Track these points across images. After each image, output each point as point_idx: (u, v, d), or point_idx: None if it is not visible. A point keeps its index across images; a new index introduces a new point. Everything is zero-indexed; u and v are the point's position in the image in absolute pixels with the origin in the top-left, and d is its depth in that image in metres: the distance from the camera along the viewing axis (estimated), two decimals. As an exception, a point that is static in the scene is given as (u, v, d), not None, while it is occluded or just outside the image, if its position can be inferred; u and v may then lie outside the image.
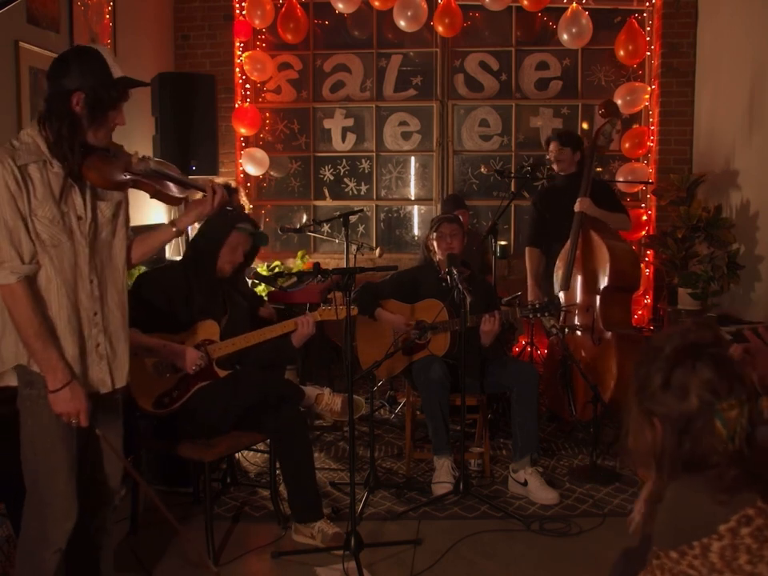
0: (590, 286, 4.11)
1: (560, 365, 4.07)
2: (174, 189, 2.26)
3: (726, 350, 1.30)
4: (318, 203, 6.06)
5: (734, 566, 1.23)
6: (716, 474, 1.26)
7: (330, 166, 6.07)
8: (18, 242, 1.96)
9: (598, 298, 4.06)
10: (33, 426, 2.07)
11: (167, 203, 2.26)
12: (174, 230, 2.33)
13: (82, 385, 2.08)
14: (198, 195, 2.36)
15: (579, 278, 4.16)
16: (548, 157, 4.44)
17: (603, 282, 4.05)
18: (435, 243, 3.74)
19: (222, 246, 3.03)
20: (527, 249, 4.51)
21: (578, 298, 4.15)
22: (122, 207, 2.23)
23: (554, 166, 4.43)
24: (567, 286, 4.14)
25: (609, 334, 3.96)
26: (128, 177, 2.12)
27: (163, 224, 2.35)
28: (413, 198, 6.10)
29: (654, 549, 1.32)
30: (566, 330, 4.08)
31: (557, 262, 4.28)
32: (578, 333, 4.08)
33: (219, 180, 4.78)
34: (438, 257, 3.73)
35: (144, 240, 2.35)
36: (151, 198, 2.23)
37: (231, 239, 3.04)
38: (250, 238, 3.11)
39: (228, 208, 2.49)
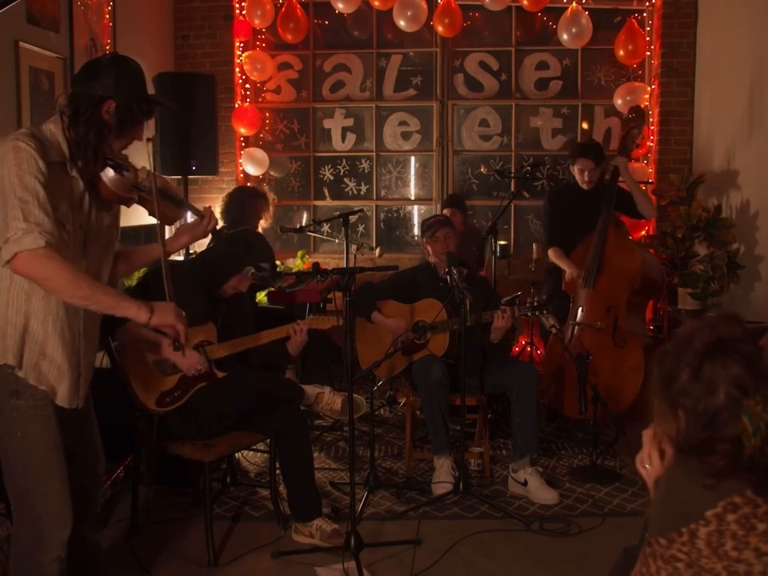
0: (617, 287, 4.04)
1: (574, 361, 4.04)
2: (172, 209, 2.26)
3: (753, 345, 1.31)
4: (318, 203, 6.06)
5: (720, 552, 1.26)
6: (709, 462, 1.28)
7: (329, 165, 6.07)
8: (46, 210, 1.85)
9: (624, 300, 4.01)
10: (23, 438, 1.96)
11: (162, 222, 2.21)
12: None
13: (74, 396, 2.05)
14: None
15: (604, 278, 4.09)
16: (576, 173, 4.27)
17: (633, 286, 4.01)
18: (430, 247, 3.75)
19: (233, 276, 3.03)
20: (550, 250, 4.37)
21: (599, 297, 4.09)
22: (117, 219, 2.20)
23: (584, 185, 4.28)
24: (591, 284, 4.10)
25: (635, 336, 3.93)
26: (135, 194, 2.11)
27: (153, 244, 2.29)
28: (413, 198, 6.10)
29: (646, 537, 1.35)
30: (578, 327, 4.04)
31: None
32: (586, 329, 4.04)
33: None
34: (434, 259, 3.74)
35: (131, 255, 2.33)
36: (149, 215, 2.19)
37: (244, 273, 3.04)
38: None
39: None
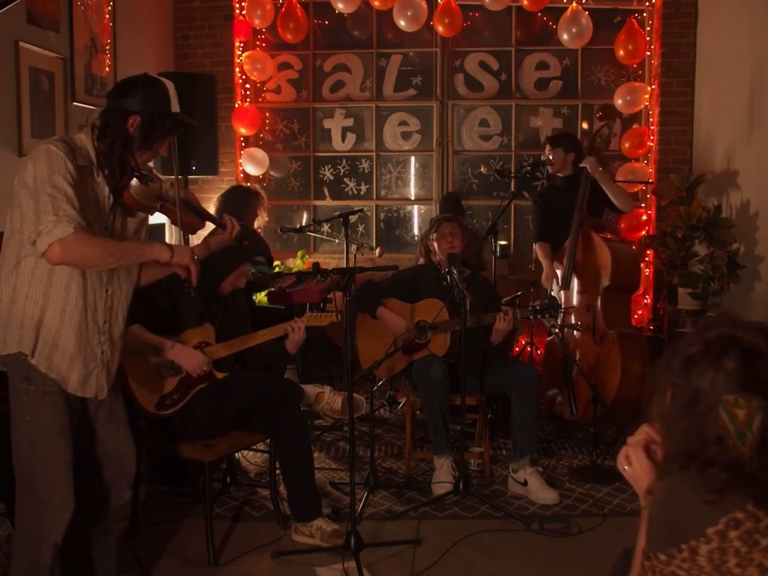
0: (591, 286, 4.12)
1: (561, 364, 4.08)
2: (193, 219, 2.39)
3: (763, 354, 1.28)
4: (318, 203, 6.06)
5: (723, 569, 1.22)
6: (709, 474, 1.25)
7: (329, 165, 6.07)
8: (74, 204, 2.00)
9: (599, 298, 4.07)
10: (31, 421, 2.09)
11: (184, 230, 2.39)
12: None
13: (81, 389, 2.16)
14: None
15: (580, 278, 4.17)
16: (543, 158, 4.46)
17: (604, 283, 4.06)
18: (435, 243, 3.75)
19: (232, 272, 3.08)
20: (536, 244, 4.51)
21: (579, 297, 4.17)
22: (144, 225, 2.35)
23: (549, 168, 4.45)
24: (568, 285, 4.15)
25: (611, 333, 3.96)
26: (157, 203, 2.23)
27: None
28: (413, 198, 6.09)
29: (644, 548, 1.32)
30: (566, 329, 4.09)
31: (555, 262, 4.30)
32: (576, 333, 4.08)
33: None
34: (439, 256, 3.74)
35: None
36: (171, 223, 2.35)
37: (242, 268, 3.11)
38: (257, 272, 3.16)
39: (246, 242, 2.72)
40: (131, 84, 2.18)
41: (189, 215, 2.36)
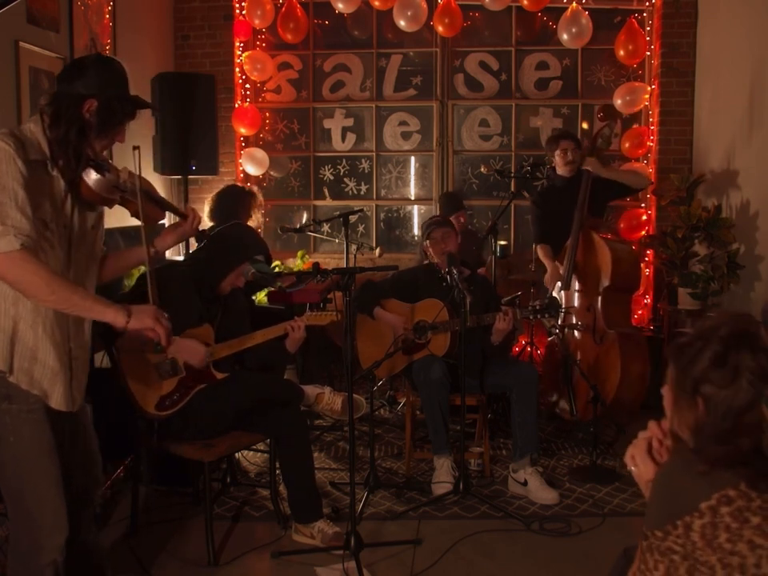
0: (591, 286, 4.12)
1: (561, 364, 4.08)
2: (154, 209, 2.24)
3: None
4: (318, 203, 6.06)
5: (715, 544, 1.27)
6: (704, 451, 1.30)
7: (329, 165, 6.07)
8: (25, 212, 1.81)
9: (599, 298, 4.07)
10: (15, 443, 1.94)
11: (145, 222, 2.17)
12: (154, 251, 2.28)
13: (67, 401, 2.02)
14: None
15: (580, 279, 4.17)
16: (558, 157, 4.37)
17: (604, 283, 4.06)
18: (430, 249, 3.75)
19: (231, 271, 3.04)
20: (537, 247, 4.49)
21: (579, 298, 4.17)
22: (101, 220, 2.18)
23: (562, 169, 4.38)
24: (568, 286, 4.16)
25: (611, 333, 3.97)
26: (117, 195, 2.08)
27: (139, 246, 2.26)
28: (413, 198, 6.09)
29: (642, 530, 1.36)
30: (566, 329, 4.09)
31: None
32: (577, 333, 4.09)
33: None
34: (435, 259, 3.74)
35: (119, 257, 2.31)
36: (132, 215, 2.17)
37: (242, 268, 3.07)
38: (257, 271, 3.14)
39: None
40: (84, 65, 1.98)
41: (149, 206, 2.19)
